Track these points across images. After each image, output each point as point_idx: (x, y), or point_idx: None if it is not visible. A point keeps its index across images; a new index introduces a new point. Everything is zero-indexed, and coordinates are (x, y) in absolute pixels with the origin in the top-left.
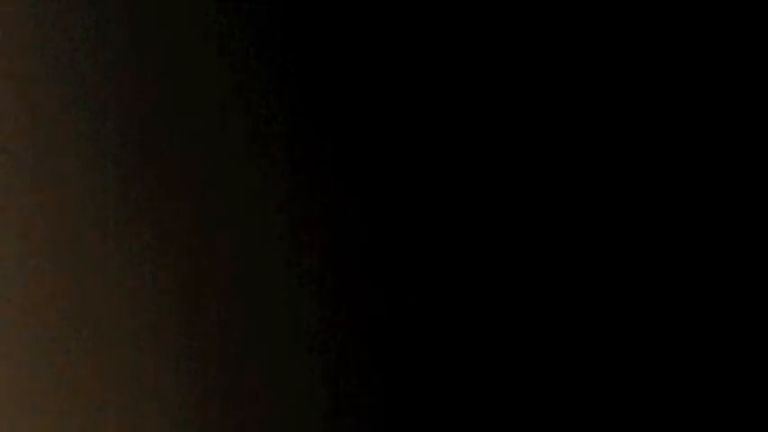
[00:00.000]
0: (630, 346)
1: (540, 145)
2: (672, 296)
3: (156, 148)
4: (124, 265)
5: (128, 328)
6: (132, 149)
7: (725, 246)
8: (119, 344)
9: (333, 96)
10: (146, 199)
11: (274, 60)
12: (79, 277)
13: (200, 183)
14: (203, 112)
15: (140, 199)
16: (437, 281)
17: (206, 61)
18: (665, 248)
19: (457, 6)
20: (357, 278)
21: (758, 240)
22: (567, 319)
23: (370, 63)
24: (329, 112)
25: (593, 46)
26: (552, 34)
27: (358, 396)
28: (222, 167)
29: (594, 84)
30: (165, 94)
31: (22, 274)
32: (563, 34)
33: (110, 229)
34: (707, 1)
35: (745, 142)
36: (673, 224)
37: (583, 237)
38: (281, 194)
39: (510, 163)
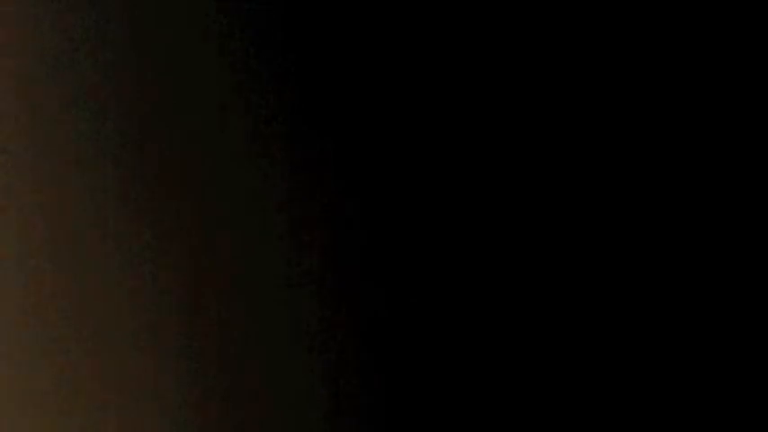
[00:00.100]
0: (630, 346)
1: (539, 145)
2: (672, 296)
3: (156, 148)
4: (124, 265)
5: (128, 328)
6: (132, 149)
7: (725, 246)
8: (119, 344)
9: (333, 96)
10: (146, 199)
11: (274, 60)
12: (79, 277)
13: (200, 183)
14: (203, 112)
15: (140, 199)
16: (437, 281)
17: (206, 61)
18: (665, 248)
19: (457, 6)
20: (357, 278)
21: (758, 240)
22: (567, 320)
23: (370, 63)
24: (329, 112)
25: (593, 46)
26: (552, 34)
27: (358, 396)
28: (222, 167)
29: (594, 84)
30: (165, 94)
31: (22, 274)
32: (563, 34)
33: (110, 229)
34: (707, 1)
35: (745, 142)
36: (673, 224)
37: (583, 237)
38: (281, 194)
39: (510, 163)
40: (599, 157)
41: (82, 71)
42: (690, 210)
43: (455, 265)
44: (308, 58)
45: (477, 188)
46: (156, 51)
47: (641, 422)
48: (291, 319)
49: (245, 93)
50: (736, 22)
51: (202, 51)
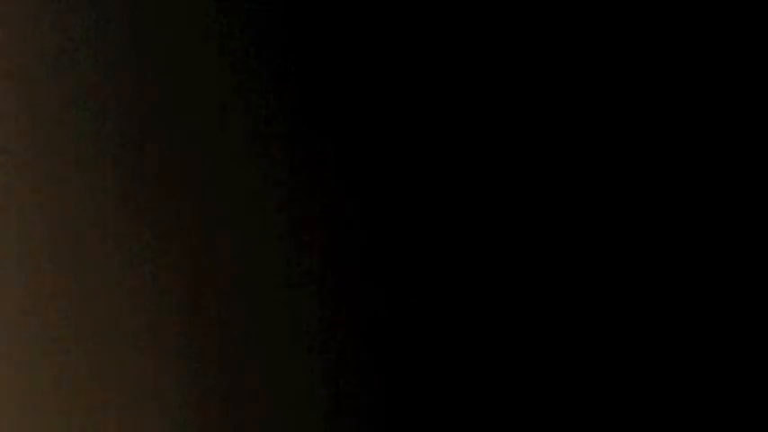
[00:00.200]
0: (630, 346)
1: (539, 145)
2: (672, 296)
3: (156, 148)
4: (124, 265)
5: (128, 328)
6: (132, 149)
7: (725, 246)
8: (119, 344)
9: (333, 96)
10: (146, 199)
11: (274, 60)
12: (79, 277)
13: (200, 183)
14: (203, 112)
15: (140, 199)
16: (437, 281)
17: (206, 61)
18: (665, 248)
19: (457, 6)
20: (357, 278)
21: (758, 240)
22: (567, 320)
23: (370, 63)
24: (329, 112)
25: (593, 46)
26: (552, 34)
27: (358, 396)
28: (222, 167)
29: (595, 84)
30: (165, 94)
31: (22, 274)
32: (563, 34)
33: (110, 229)
34: (707, 1)
35: (745, 142)
36: (673, 224)
37: (582, 237)
38: (281, 194)
39: (510, 163)
40: (599, 157)
41: (82, 71)
42: (690, 210)
43: (455, 265)
44: (308, 58)
45: (477, 188)
46: (156, 51)
47: (641, 422)
48: (291, 319)
49: (245, 93)
50: (736, 22)
51: (202, 51)
